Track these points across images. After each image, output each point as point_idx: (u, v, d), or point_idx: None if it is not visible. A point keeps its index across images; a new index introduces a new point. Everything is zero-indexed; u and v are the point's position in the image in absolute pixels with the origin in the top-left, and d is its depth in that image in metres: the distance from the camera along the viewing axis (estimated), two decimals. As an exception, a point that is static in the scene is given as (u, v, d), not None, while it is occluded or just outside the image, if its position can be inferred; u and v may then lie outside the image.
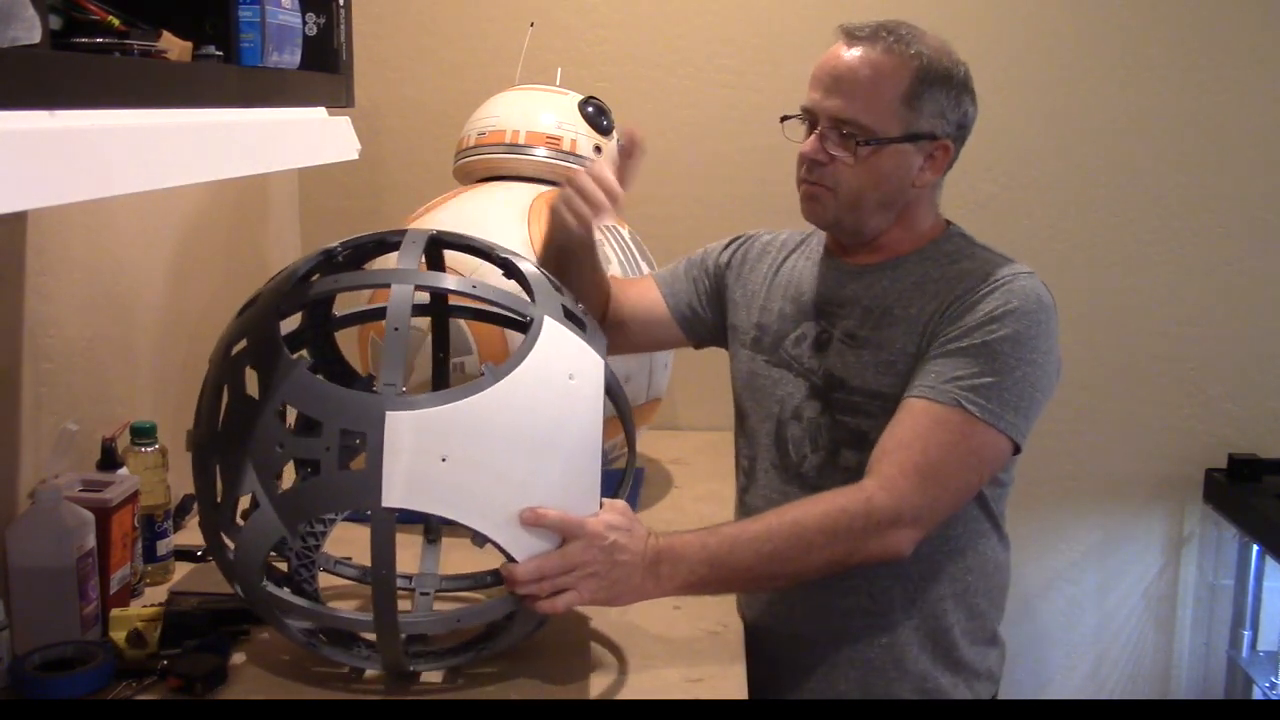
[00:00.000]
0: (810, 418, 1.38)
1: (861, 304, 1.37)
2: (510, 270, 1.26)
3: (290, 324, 1.26)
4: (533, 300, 1.19)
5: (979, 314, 1.27)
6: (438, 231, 1.28)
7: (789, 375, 1.41)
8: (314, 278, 1.23)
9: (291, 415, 1.23)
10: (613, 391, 1.26)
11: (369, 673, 1.24)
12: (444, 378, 1.49)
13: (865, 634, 1.36)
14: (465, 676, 1.25)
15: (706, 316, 1.54)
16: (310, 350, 1.41)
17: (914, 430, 1.24)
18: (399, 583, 1.21)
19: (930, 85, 1.29)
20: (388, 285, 1.15)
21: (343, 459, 1.11)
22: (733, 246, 1.55)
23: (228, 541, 1.18)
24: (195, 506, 1.71)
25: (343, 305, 1.43)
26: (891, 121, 1.29)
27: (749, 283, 1.50)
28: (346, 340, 1.53)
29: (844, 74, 1.30)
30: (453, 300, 1.46)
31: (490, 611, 1.21)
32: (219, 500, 1.18)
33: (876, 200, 1.33)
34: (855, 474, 1.28)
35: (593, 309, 1.44)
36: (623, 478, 1.34)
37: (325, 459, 1.09)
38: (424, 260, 1.22)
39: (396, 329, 1.11)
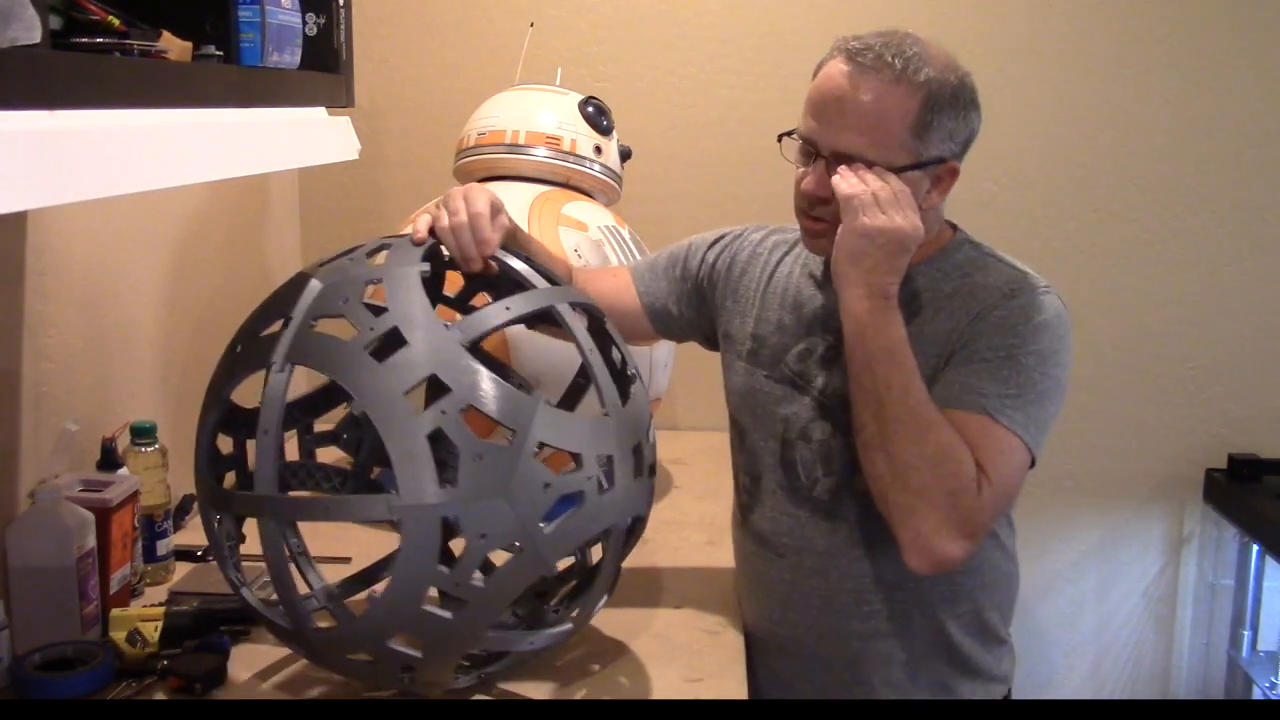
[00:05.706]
0: (820, 439, 1.32)
1: None
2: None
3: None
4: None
5: (1005, 329, 1.24)
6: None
7: (793, 393, 1.34)
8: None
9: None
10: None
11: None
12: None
13: (883, 656, 1.33)
14: (465, 676, 1.25)
15: (684, 316, 1.48)
16: None
17: (983, 444, 1.21)
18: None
19: (939, 111, 1.22)
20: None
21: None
22: (718, 246, 1.47)
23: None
24: (195, 506, 1.73)
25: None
26: (899, 154, 1.22)
27: (740, 290, 1.43)
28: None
29: (847, 106, 1.21)
30: None
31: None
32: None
33: None
34: (870, 497, 1.24)
35: None
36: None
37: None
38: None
39: None
